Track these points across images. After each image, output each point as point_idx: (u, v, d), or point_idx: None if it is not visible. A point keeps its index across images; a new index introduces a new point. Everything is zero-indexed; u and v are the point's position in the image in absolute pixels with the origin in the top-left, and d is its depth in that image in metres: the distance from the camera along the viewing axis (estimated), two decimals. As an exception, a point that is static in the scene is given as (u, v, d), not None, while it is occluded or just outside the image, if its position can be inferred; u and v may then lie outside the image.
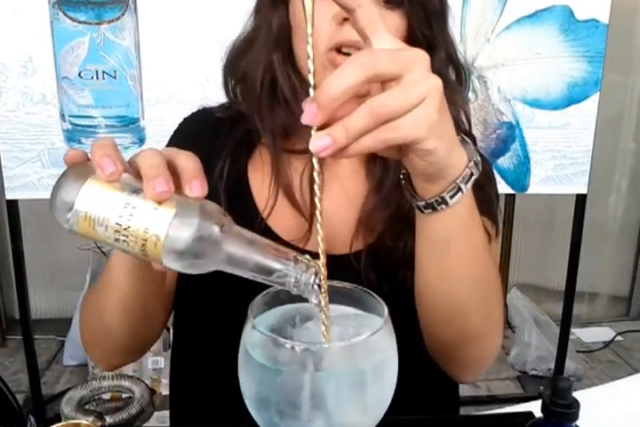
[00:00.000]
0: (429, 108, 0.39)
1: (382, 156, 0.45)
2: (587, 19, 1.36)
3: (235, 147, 0.66)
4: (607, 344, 2.01)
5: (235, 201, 0.64)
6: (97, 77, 1.24)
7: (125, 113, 1.28)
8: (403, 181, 0.49)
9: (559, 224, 1.90)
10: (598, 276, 2.09)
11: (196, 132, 0.70)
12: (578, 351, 1.91)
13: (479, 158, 0.47)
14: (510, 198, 1.82)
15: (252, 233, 0.42)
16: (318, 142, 0.37)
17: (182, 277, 0.67)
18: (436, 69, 0.60)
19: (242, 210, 0.62)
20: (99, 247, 1.69)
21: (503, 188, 1.46)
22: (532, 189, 1.45)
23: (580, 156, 1.44)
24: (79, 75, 1.24)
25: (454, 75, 0.65)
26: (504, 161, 1.43)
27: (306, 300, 0.41)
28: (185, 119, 0.73)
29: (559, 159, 1.44)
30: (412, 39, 0.60)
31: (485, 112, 1.39)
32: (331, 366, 0.39)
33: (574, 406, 0.48)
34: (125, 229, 0.39)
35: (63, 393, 1.61)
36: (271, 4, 0.63)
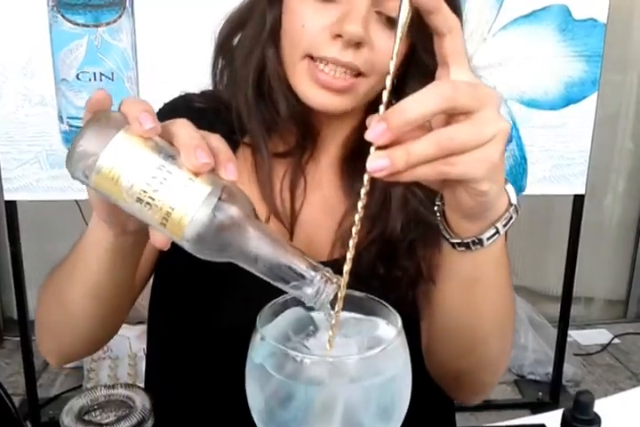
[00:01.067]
0: (494, 150, 0.38)
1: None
2: (584, 18, 1.36)
3: None
4: (605, 347, 1.98)
5: None
6: (95, 79, 1.25)
7: (122, 115, 1.29)
8: (437, 215, 0.48)
9: (556, 225, 1.89)
10: (595, 277, 2.08)
11: None
12: (575, 355, 1.89)
13: (518, 202, 0.47)
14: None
15: (275, 232, 0.40)
16: (376, 162, 0.37)
17: (158, 275, 0.66)
18: None
19: None
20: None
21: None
22: (528, 190, 1.45)
23: (578, 156, 1.44)
24: (77, 77, 1.25)
25: None
26: (500, 161, 1.43)
27: (312, 309, 0.41)
28: (164, 106, 0.69)
29: (556, 159, 1.44)
30: (414, 64, 0.57)
31: (481, 112, 1.39)
32: (346, 378, 0.38)
33: (596, 421, 0.47)
34: (154, 191, 0.36)
35: (57, 397, 1.62)
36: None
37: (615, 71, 1.85)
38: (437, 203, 0.48)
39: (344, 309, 0.41)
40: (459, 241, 0.46)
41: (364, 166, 0.60)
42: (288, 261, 0.39)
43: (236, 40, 0.63)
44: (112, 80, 1.26)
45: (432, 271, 0.60)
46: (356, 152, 0.63)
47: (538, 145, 1.43)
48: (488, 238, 0.45)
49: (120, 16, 1.24)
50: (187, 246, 0.38)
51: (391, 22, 0.54)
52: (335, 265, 0.60)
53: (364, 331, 0.42)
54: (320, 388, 0.38)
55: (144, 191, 0.36)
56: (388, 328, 0.41)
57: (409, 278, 0.61)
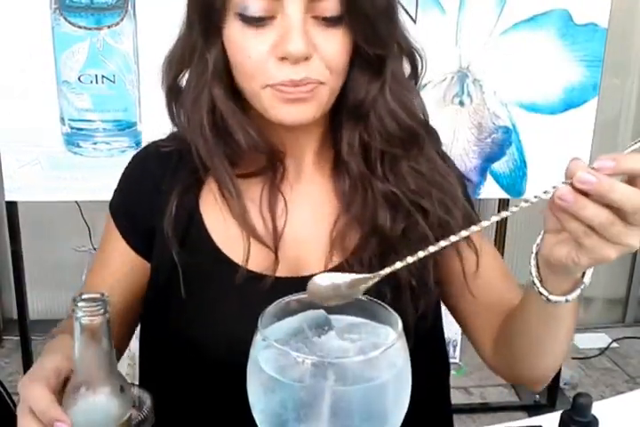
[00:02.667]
0: (616, 254, 0.45)
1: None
2: (585, 23, 1.36)
3: (182, 188, 0.64)
4: (603, 351, 1.98)
5: (191, 242, 0.63)
6: (96, 81, 1.26)
7: (123, 117, 1.29)
8: (534, 275, 0.52)
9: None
10: (593, 280, 2.06)
11: (142, 172, 0.68)
12: (573, 358, 1.89)
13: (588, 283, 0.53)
14: (505, 203, 1.82)
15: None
16: (587, 176, 0.42)
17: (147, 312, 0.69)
18: (391, 71, 0.60)
19: (201, 250, 0.63)
20: (95, 249, 1.70)
21: (498, 192, 1.46)
22: (528, 194, 1.45)
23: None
24: (79, 79, 1.26)
25: (409, 66, 0.63)
26: (499, 165, 1.43)
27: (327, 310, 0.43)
28: (133, 158, 0.71)
29: (556, 164, 1.44)
30: (361, 55, 0.58)
31: (480, 116, 1.39)
32: (345, 381, 0.38)
33: (594, 423, 0.48)
34: None
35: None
36: (203, 36, 0.58)
37: (615, 76, 1.84)
38: (533, 262, 0.52)
39: (346, 312, 0.43)
40: (548, 295, 0.52)
41: (347, 175, 0.62)
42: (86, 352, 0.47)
43: (182, 79, 0.63)
44: (113, 83, 1.26)
45: (430, 271, 0.62)
46: (338, 160, 0.64)
47: (538, 149, 1.43)
48: (555, 302, 0.51)
49: (122, 19, 1.25)
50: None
51: (327, 21, 0.55)
52: (337, 271, 0.60)
53: (366, 334, 0.43)
54: (319, 388, 0.38)
55: None
56: (389, 331, 0.42)
57: (407, 276, 0.61)
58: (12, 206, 1.37)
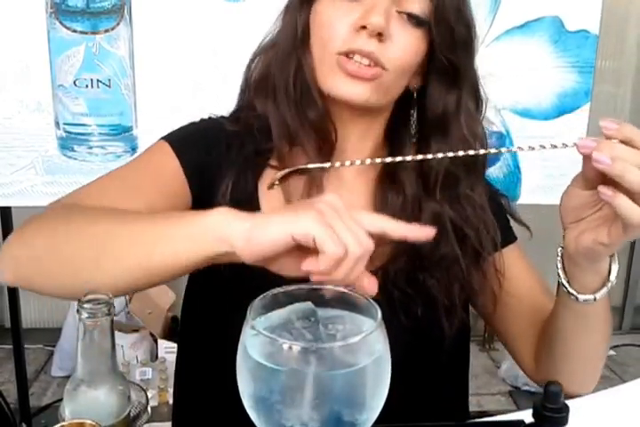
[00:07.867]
0: None
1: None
2: (577, 29, 1.38)
3: (244, 166, 0.65)
4: (600, 359, 1.98)
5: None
6: (92, 86, 1.26)
7: (119, 121, 1.29)
8: (562, 277, 0.57)
9: (551, 236, 1.89)
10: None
11: (208, 142, 0.68)
12: (571, 366, 1.88)
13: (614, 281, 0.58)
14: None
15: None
16: (587, 141, 0.49)
17: (192, 287, 0.69)
18: (463, 102, 0.65)
19: None
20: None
21: (494, 197, 1.46)
22: (522, 200, 1.46)
23: (571, 166, 1.44)
24: (74, 83, 1.25)
25: (473, 107, 0.68)
26: (494, 171, 1.43)
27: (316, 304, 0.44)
28: (194, 125, 0.70)
29: (550, 169, 1.45)
30: (435, 63, 0.63)
31: (475, 121, 1.40)
32: (326, 366, 0.40)
33: (564, 410, 0.49)
34: None
35: (50, 406, 1.59)
36: (299, 4, 0.65)
37: (608, 82, 1.86)
38: (559, 264, 0.57)
39: (331, 306, 0.44)
40: (576, 294, 0.57)
41: (399, 186, 0.65)
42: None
43: (267, 62, 0.67)
44: (109, 87, 1.26)
45: (467, 291, 0.65)
46: (387, 172, 0.67)
47: (531, 154, 1.44)
48: (585, 300, 0.57)
49: (118, 24, 1.25)
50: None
51: (411, 20, 0.61)
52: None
53: (350, 325, 0.45)
54: (302, 373, 0.40)
55: None
56: (370, 321, 0.44)
57: (429, 295, 0.63)
58: (5, 212, 1.36)
